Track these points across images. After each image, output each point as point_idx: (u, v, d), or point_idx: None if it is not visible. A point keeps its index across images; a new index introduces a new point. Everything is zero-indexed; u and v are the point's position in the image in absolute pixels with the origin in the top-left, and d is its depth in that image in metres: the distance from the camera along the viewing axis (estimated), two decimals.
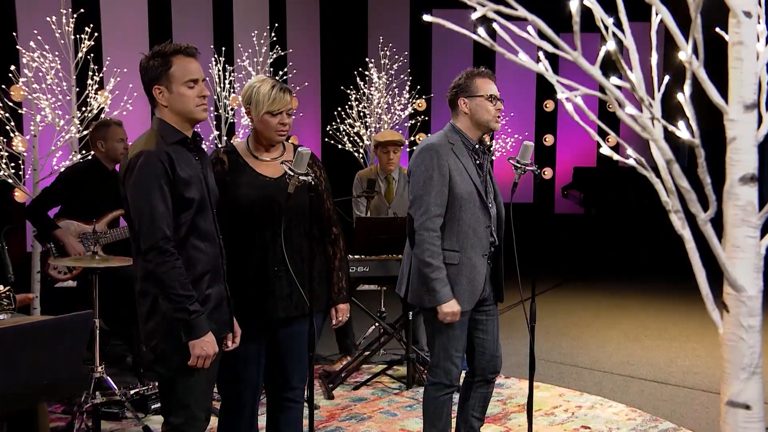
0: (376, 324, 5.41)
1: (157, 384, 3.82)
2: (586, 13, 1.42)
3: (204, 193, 2.70)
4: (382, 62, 8.47)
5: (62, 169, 5.34)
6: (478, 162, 3.30)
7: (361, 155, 8.43)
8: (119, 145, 4.72)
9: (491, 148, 3.39)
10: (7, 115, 5.61)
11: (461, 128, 3.29)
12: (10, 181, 5.60)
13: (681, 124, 1.42)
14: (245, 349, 3.03)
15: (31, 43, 5.85)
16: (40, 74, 5.86)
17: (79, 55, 5.99)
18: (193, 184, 2.64)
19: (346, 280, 3.20)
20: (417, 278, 3.27)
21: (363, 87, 8.42)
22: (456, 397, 3.60)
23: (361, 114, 8.41)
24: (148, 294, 2.63)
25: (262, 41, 7.39)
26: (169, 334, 2.60)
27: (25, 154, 5.78)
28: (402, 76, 8.65)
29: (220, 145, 6.58)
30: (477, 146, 3.29)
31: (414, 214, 3.23)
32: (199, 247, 2.66)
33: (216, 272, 2.73)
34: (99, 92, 6.07)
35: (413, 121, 8.72)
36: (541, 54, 1.46)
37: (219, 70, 6.83)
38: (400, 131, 8.90)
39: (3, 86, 5.71)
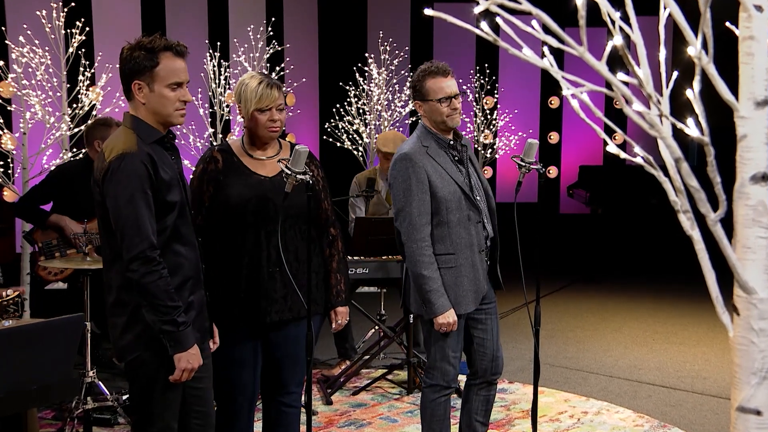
0: (376, 327, 5.41)
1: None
2: (592, 7, 1.41)
3: (182, 194, 2.63)
4: (382, 58, 8.47)
5: (52, 168, 5.34)
6: (457, 158, 3.31)
7: (360, 153, 8.43)
8: None
9: (466, 144, 3.38)
10: None
11: (431, 128, 3.31)
12: None
13: (690, 121, 1.42)
14: (240, 353, 3.03)
15: (21, 38, 5.85)
16: (30, 70, 5.86)
17: (70, 50, 5.99)
18: (173, 187, 2.56)
19: (345, 283, 3.20)
20: (415, 288, 3.29)
21: (362, 83, 8.43)
22: (458, 403, 3.60)
23: (361, 111, 8.41)
24: (126, 304, 2.54)
25: (258, 36, 7.39)
26: (152, 346, 2.53)
27: (14, 152, 5.78)
28: (402, 72, 8.65)
29: (215, 144, 6.59)
30: (451, 142, 3.29)
31: (400, 227, 3.25)
32: (180, 253, 2.59)
33: (197, 278, 2.67)
34: (90, 88, 6.07)
35: (414, 119, 8.72)
36: (545, 49, 1.46)
37: (214, 66, 6.83)
38: (401, 129, 8.91)
39: None
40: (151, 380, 2.59)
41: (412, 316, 4.77)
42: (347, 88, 8.44)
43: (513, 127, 10.29)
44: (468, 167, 3.33)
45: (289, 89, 8.26)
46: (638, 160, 1.52)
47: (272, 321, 3.02)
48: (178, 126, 2.76)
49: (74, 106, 6.06)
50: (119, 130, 2.59)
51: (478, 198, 3.31)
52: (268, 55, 7.44)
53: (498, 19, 1.42)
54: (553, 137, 11.05)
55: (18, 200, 4.99)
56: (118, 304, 2.57)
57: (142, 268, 2.45)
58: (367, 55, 8.73)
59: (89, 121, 5.37)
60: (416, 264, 3.19)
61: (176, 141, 2.75)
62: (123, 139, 2.53)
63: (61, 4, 6.07)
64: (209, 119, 7.02)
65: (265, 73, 3.31)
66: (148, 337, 2.53)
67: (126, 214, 2.45)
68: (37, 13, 5.94)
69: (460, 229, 3.24)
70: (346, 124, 8.40)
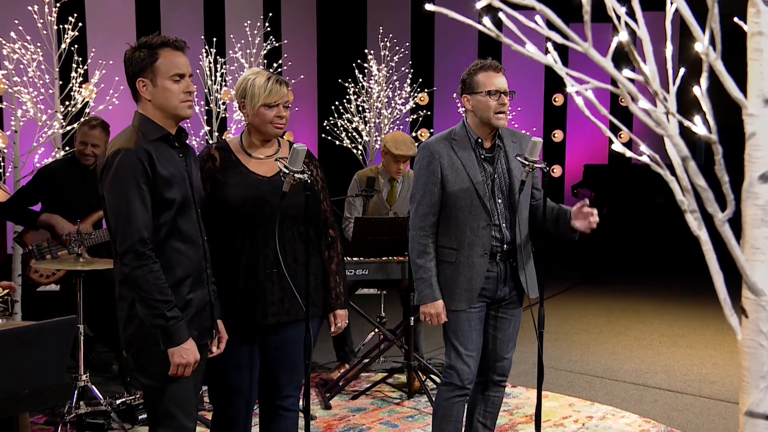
0: (376, 330, 5.41)
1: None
2: (597, 2, 1.41)
3: (187, 192, 2.69)
4: (382, 54, 8.47)
5: (40, 166, 5.36)
6: (484, 156, 3.33)
7: (359, 152, 8.43)
8: (80, 147, 4.78)
9: (504, 145, 3.40)
10: None
11: (470, 124, 3.37)
12: None
13: (697, 119, 1.42)
14: (237, 356, 3.03)
15: (12, 34, 5.85)
16: (21, 66, 5.86)
17: (63, 46, 5.99)
18: (175, 184, 2.63)
19: (344, 285, 3.21)
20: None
21: (362, 80, 8.42)
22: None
23: (360, 108, 8.41)
24: (125, 298, 2.63)
25: (255, 32, 7.39)
26: (149, 341, 2.60)
27: (5, 150, 5.78)
28: (403, 69, 8.65)
29: (211, 141, 6.59)
30: (479, 140, 3.32)
31: (410, 212, 3.43)
32: (179, 250, 2.66)
33: (198, 276, 2.72)
34: (83, 85, 6.07)
35: (415, 116, 8.72)
36: (549, 45, 1.46)
37: (210, 62, 6.83)
38: (401, 127, 8.91)
39: None
40: (153, 377, 2.65)
41: (412, 318, 4.78)
42: (346, 85, 8.43)
43: (516, 125, 10.28)
44: (499, 167, 3.35)
45: None
46: (644, 158, 1.52)
47: (269, 324, 3.02)
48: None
49: (67, 103, 6.06)
50: (126, 129, 2.69)
51: (499, 200, 3.33)
52: (265, 52, 7.44)
53: (500, 15, 1.42)
54: (557, 135, 11.05)
55: (6, 202, 4.99)
56: (120, 298, 2.66)
57: (132, 262, 2.54)
58: (366, 51, 8.73)
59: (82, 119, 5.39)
60: (412, 250, 3.35)
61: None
62: (124, 136, 2.64)
63: None
64: (205, 117, 7.02)
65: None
66: (145, 331, 2.60)
67: (118, 209, 2.56)
68: (29, 8, 5.94)
69: (466, 228, 3.29)
70: (345, 121, 8.40)
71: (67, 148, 5.99)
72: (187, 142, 2.82)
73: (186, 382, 2.66)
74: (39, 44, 5.95)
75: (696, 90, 1.48)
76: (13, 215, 4.88)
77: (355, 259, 4.80)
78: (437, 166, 3.29)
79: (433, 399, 3.55)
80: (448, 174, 3.29)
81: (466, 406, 3.46)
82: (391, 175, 5.27)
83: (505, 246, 3.34)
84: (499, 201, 3.33)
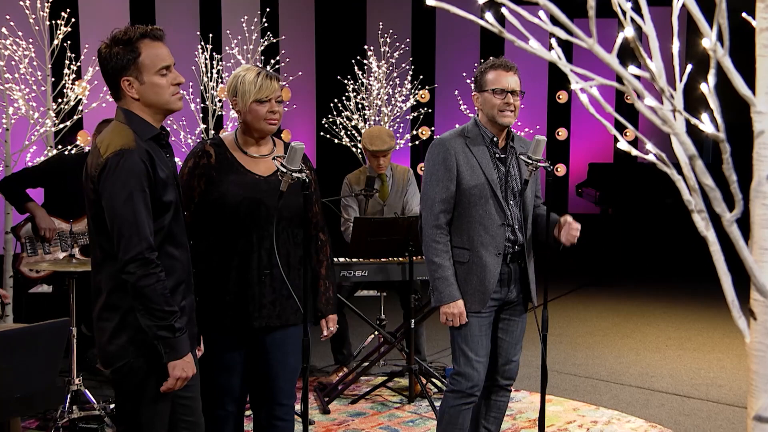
0: (376, 333, 5.41)
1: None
2: None
3: (177, 194, 2.62)
4: (382, 50, 8.47)
5: (51, 156, 5.37)
6: (498, 156, 3.35)
7: (359, 151, 8.43)
8: None
9: (517, 146, 3.42)
10: None
11: (482, 122, 3.40)
12: None
13: (705, 116, 1.42)
14: (228, 358, 3.05)
15: (3, 30, 5.85)
16: (13, 63, 5.86)
17: (55, 42, 5.99)
18: (169, 185, 2.55)
19: (334, 289, 3.22)
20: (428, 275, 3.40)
21: (361, 77, 8.42)
22: None
23: (360, 106, 8.41)
24: (117, 308, 2.51)
25: (252, 27, 7.39)
26: (143, 352, 2.50)
27: None
28: (404, 65, 8.64)
29: (206, 138, 6.60)
30: (494, 138, 3.34)
31: (422, 211, 3.38)
32: (173, 255, 2.58)
33: (188, 282, 2.66)
34: (76, 82, 6.07)
35: (415, 114, 8.72)
36: (553, 41, 1.46)
37: (206, 59, 6.83)
38: (402, 125, 8.91)
39: None
40: (139, 389, 2.55)
41: (413, 321, 4.78)
42: (345, 82, 8.43)
43: (519, 123, 10.27)
44: (511, 168, 3.37)
45: (284, 83, 8.26)
46: (650, 157, 1.51)
47: (258, 327, 3.02)
48: (167, 121, 2.77)
49: (59, 100, 6.06)
50: (113, 126, 2.56)
51: (511, 202, 3.35)
52: (262, 48, 7.44)
53: (503, 10, 1.42)
54: (562, 133, 11.03)
55: (9, 175, 4.98)
56: (108, 307, 2.54)
57: (140, 270, 2.42)
58: (366, 47, 8.73)
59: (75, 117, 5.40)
60: (428, 250, 3.31)
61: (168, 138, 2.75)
62: (120, 134, 2.50)
63: None
64: (201, 114, 7.02)
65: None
66: (139, 342, 2.50)
67: (124, 214, 2.42)
68: (21, 3, 5.94)
69: (479, 227, 3.30)
70: (345, 119, 8.40)
71: (59, 146, 5.98)
72: (180, 140, 2.80)
73: (167, 396, 2.56)
74: (31, 40, 5.95)
75: (703, 87, 1.47)
76: (6, 188, 4.85)
77: (354, 260, 4.79)
78: (453, 162, 3.29)
79: (435, 404, 3.56)
80: (463, 170, 3.29)
81: (471, 413, 3.46)
82: (374, 169, 5.26)
83: (516, 247, 3.36)
84: (511, 202, 3.35)
